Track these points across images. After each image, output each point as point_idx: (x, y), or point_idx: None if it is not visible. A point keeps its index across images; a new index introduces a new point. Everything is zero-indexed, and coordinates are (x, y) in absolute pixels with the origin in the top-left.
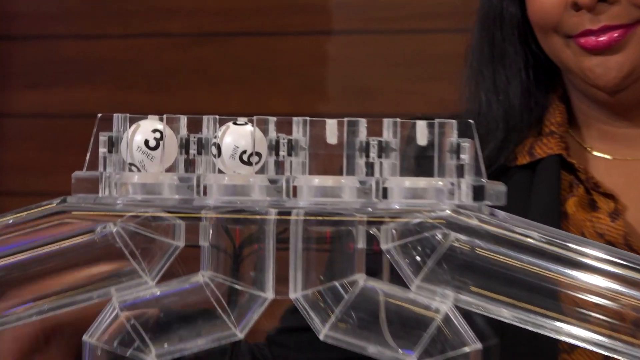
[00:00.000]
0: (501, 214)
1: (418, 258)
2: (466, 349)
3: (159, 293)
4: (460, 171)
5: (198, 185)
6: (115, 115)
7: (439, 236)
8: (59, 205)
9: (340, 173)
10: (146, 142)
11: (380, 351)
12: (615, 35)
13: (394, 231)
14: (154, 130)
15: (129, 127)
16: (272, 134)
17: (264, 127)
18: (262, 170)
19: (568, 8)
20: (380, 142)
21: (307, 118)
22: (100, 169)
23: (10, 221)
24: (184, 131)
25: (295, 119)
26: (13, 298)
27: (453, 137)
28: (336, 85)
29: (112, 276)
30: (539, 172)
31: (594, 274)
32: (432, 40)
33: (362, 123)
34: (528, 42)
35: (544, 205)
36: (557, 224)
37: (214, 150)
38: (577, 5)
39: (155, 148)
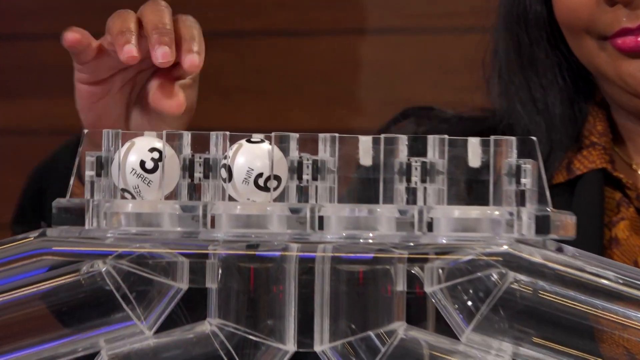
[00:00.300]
0: (570, 249)
1: (469, 303)
2: None
3: (157, 345)
4: (520, 198)
5: (204, 216)
6: (104, 131)
7: (495, 276)
8: (37, 239)
9: (375, 201)
10: (142, 164)
11: None
12: None
13: (440, 270)
14: (152, 150)
15: (122, 145)
16: (294, 153)
17: (283, 145)
18: (281, 198)
19: (601, 3)
20: (424, 164)
21: (336, 134)
22: (87, 195)
23: None
24: (187, 150)
25: (321, 135)
26: None
27: (512, 158)
28: (371, 95)
29: (100, 324)
30: (579, 190)
31: None
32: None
33: (403, 141)
34: (558, 44)
35: (585, 229)
36: (600, 250)
37: (223, 173)
38: None
39: (153, 171)
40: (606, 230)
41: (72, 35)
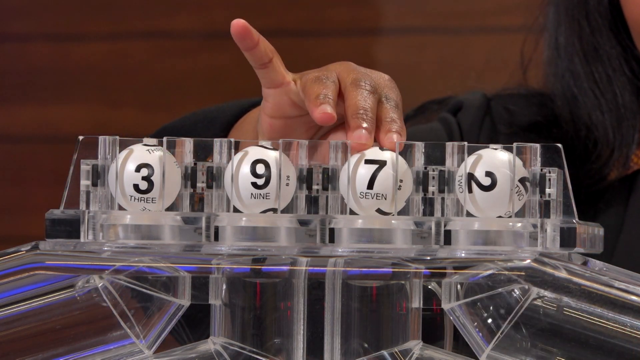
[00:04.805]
0: (597, 264)
1: (490, 320)
2: None
3: None
4: (545, 209)
5: (208, 228)
6: (100, 137)
7: (517, 292)
8: (29, 253)
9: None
10: (136, 187)
11: None
12: None
13: (459, 286)
14: (138, 168)
15: (119, 152)
16: (303, 161)
17: (292, 153)
18: (290, 209)
19: None
20: (441, 172)
21: (348, 141)
22: (82, 206)
23: None
24: (189, 158)
25: (332, 142)
26: None
27: (536, 166)
28: None
29: (97, 343)
30: (638, 187)
31: None
32: (520, 41)
33: (419, 147)
34: (621, 34)
35: None
36: None
37: (228, 182)
38: None
39: (149, 190)
40: None
41: (238, 22)
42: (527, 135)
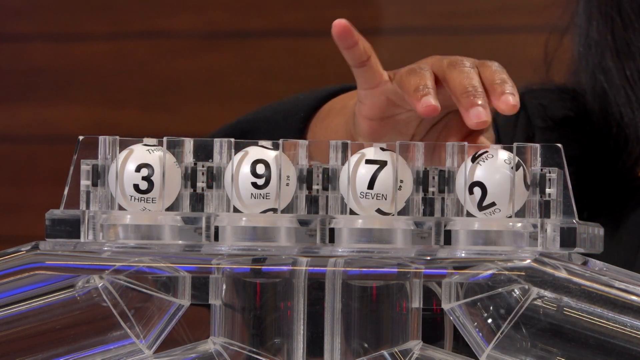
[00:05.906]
0: (597, 264)
1: (490, 320)
2: None
3: None
4: (545, 209)
5: (208, 228)
6: (100, 137)
7: (517, 292)
8: (29, 253)
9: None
10: (136, 187)
11: None
12: None
13: (459, 286)
14: (139, 168)
15: (119, 152)
16: (303, 161)
17: (292, 153)
18: (290, 209)
19: None
20: (442, 172)
21: (348, 141)
22: (82, 206)
23: None
24: (189, 158)
25: (332, 142)
26: None
27: (536, 166)
28: None
29: (97, 343)
30: None
31: None
32: (520, 41)
33: (419, 147)
34: None
35: None
36: None
37: (228, 182)
38: None
39: (149, 190)
40: None
41: (339, 22)
42: (561, 130)
